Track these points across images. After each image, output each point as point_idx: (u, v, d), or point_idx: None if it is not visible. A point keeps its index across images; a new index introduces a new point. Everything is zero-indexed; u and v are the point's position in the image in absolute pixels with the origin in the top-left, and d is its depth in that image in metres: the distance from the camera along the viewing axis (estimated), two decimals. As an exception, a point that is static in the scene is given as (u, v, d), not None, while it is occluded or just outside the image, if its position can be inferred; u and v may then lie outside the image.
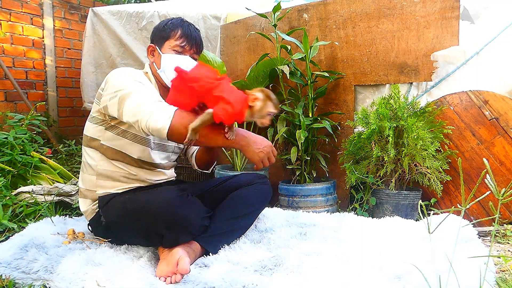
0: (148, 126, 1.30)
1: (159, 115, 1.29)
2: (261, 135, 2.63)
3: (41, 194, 2.12)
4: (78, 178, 2.58)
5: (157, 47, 1.58)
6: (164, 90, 1.59)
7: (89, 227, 1.63)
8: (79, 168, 3.13)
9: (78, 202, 2.15)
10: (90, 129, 1.55)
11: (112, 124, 1.50)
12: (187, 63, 1.55)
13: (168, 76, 1.54)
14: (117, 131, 1.51)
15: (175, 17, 1.64)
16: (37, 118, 2.66)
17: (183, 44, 1.56)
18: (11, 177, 2.27)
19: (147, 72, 1.61)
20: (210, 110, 1.29)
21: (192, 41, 1.58)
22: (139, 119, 1.31)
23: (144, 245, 1.51)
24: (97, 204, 1.54)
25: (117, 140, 1.51)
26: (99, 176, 1.52)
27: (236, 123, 1.37)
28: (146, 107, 1.31)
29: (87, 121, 1.58)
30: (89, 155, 1.56)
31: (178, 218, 1.32)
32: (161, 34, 1.58)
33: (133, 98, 1.35)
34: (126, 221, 1.42)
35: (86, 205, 1.57)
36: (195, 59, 1.61)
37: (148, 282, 1.22)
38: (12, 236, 1.64)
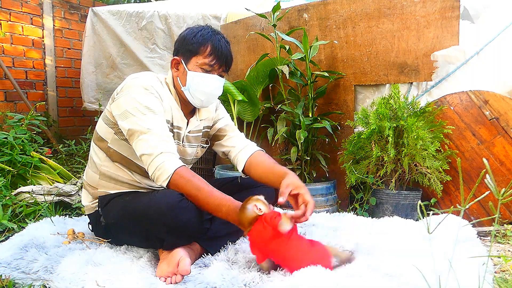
0: (153, 180, 1.35)
1: (159, 174, 1.32)
2: (261, 135, 2.66)
3: (41, 194, 2.12)
4: (78, 178, 2.59)
5: (182, 62, 1.48)
6: (184, 103, 1.54)
7: (89, 226, 1.63)
8: (79, 168, 3.15)
9: (78, 202, 2.16)
10: (101, 128, 1.52)
11: (121, 130, 1.44)
12: (215, 83, 1.49)
13: (193, 95, 1.49)
14: (125, 137, 1.45)
15: (204, 27, 1.50)
16: (37, 118, 2.66)
17: (212, 63, 1.45)
18: (11, 177, 2.27)
19: (167, 82, 1.54)
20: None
21: (222, 59, 1.47)
22: (146, 168, 1.35)
23: (144, 247, 1.50)
24: (97, 203, 1.53)
25: (125, 146, 1.47)
26: (101, 175, 1.52)
27: None
28: (151, 161, 1.32)
29: (100, 117, 1.55)
30: (95, 152, 1.54)
31: (179, 223, 1.30)
32: (188, 47, 1.46)
33: (142, 141, 1.33)
34: (126, 224, 1.41)
35: (87, 201, 1.57)
36: (222, 76, 1.52)
37: (148, 282, 1.22)
38: (12, 236, 1.64)
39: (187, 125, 1.57)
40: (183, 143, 1.58)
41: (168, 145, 1.35)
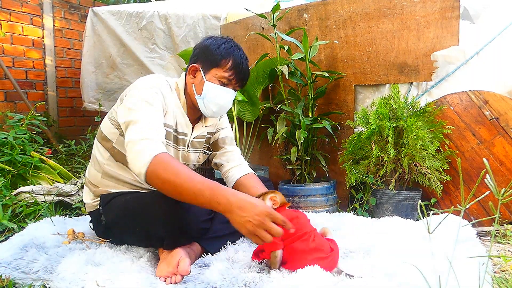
0: (130, 168, 1.29)
1: (137, 161, 1.23)
2: (261, 135, 2.66)
3: (41, 194, 2.12)
4: (78, 178, 2.59)
5: (201, 70, 1.48)
6: (191, 109, 1.54)
7: (91, 225, 1.63)
8: (79, 168, 3.15)
9: (78, 202, 2.16)
10: (107, 127, 1.52)
11: None
12: (229, 97, 1.50)
13: (206, 106, 1.49)
14: None
15: (227, 39, 1.51)
16: (37, 118, 2.66)
17: (231, 78, 1.48)
18: (11, 177, 2.27)
19: (178, 86, 1.53)
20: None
21: (241, 75, 1.49)
22: (128, 157, 1.29)
23: (144, 246, 1.51)
24: (98, 201, 1.54)
25: None
26: (104, 174, 1.52)
27: None
28: (131, 147, 1.26)
29: (106, 115, 1.55)
30: (99, 151, 1.54)
31: (179, 223, 1.31)
32: (209, 57, 1.47)
33: (131, 130, 1.30)
34: (126, 223, 1.41)
35: (89, 199, 1.58)
36: (236, 90, 1.54)
37: (148, 282, 1.22)
38: (12, 236, 1.64)
39: (192, 130, 1.58)
40: (188, 149, 1.59)
41: (153, 133, 1.28)
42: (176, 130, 1.51)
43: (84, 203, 1.62)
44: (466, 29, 2.17)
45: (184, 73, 1.56)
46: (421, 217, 2.01)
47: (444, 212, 1.91)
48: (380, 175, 2.01)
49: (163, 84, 1.46)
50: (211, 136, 1.70)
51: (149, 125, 1.31)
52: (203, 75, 1.48)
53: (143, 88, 1.40)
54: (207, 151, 1.71)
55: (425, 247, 1.48)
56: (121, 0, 5.13)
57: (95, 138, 1.59)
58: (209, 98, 1.48)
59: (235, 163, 1.67)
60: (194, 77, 1.51)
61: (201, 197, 1.15)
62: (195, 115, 1.58)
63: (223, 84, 1.48)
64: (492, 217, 0.93)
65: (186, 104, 1.53)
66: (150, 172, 1.20)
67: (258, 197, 1.30)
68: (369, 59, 2.24)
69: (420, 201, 1.97)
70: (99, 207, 1.53)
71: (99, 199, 1.53)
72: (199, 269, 1.33)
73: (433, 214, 1.91)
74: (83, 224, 1.78)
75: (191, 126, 1.57)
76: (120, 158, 1.49)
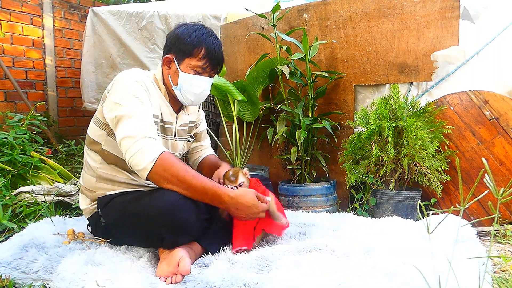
0: (130, 163, 1.32)
1: (142, 157, 1.29)
2: (261, 135, 2.66)
3: (41, 194, 2.12)
4: (78, 178, 2.59)
5: (175, 61, 1.48)
6: (173, 99, 1.55)
7: (89, 228, 1.62)
8: (79, 168, 3.15)
9: (78, 202, 2.16)
10: (93, 131, 1.52)
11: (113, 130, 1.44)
12: (205, 85, 1.52)
13: (183, 96, 1.51)
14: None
15: (199, 26, 1.50)
16: (37, 118, 2.66)
17: (205, 66, 1.48)
18: (11, 177, 2.27)
19: (156, 78, 1.54)
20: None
21: (215, 62, 1.49)
22: (125, 151, 1.32)
23: (144, 246, 1.51)
24: (96, 204, 1.53)
25: (119, 148, 1.45)
26: (98, 178, 1.51)
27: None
28: (133, 143, 1.30)
29: (91, 120, 1.55)
30: (90, 156, 1.54)
31: (179, 222, 1.31)
32: (182, 47, 1.46)
33: (126, 125, 1.32)
34: (126, 223, 1.41)
35: (85, 204, 1.57)
36: (212, 77, 1.55)
37: (148, 282, 1.22)
38: (12, 236, 1.64)
39: (177, 119, 1.60)
40: (175, 138, 1.61)
41: (151, 132, 1.35)
42: (162, 120, 1.52)
43: (81, 209, 1.61)
44: (466, 29, 2.17)
45: (160, 63, 1.56)
46: (421, 217, 2.00)
47: (444, 212, 1.91)
48: (380, 175, 2.01)
49: (144, 77, 1.46)
50: (193, 125, 1.74)
51: (146, 122, 1.35)
52: (177, 66, 1.48)
53: (128, 83, 1.40)
54: (190, 139, 1.75)
55: (425, 247, 1.48)
56: (121, 0, 5.13)
57: (84, 145, 1.59)
58: (185, 89, 1.49)
59: (202, 152, 1.83)
60: (169, 68, 1.51)
61: (204, 195, 1.34)
62: (177, 105, 1.60)
63: (198, 73, 1.48)
64: (492, 216, 0.93)
65: (167, 94, 1.55)
66: (157, 168, 1.29)
67: (232, 175, 1.52)
68: (369, 59, 2.24)
69: (420, 201, 1.97)
70: (98, 210, 1.52)
71: (96, 202, 1.53)
72: (199, 269, 1.33)
73: (433, 214, 1.91)
74: (83, 224, 1.77)
75: (175, 115, 1.59)
76: (111, 160, 1.49)
